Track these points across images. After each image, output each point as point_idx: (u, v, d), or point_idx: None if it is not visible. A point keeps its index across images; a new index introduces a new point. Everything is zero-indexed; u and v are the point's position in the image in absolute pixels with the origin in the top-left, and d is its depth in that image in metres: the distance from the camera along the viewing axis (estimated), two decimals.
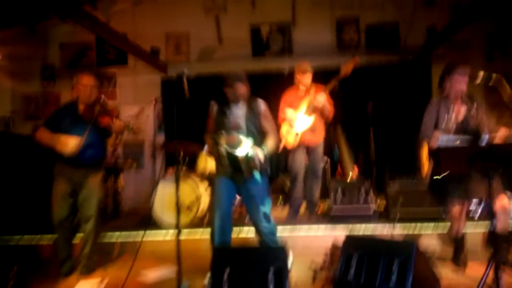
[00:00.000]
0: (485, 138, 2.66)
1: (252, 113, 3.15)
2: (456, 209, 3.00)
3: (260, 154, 3.01)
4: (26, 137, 5.23)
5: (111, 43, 6.49)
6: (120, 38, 6.09)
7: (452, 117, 3.00)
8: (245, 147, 2.99)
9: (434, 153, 3.02)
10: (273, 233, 3.16)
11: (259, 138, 3.12)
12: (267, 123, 3.21)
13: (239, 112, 3.14)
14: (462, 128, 3.00)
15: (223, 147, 3.01)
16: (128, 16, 6.96)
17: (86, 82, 3.32)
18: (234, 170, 3.06)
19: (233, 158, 3.01)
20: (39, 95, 7.21)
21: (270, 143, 3.13)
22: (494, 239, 2.64)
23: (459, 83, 2.97)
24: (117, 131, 3.38)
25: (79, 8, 5.25)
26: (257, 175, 3.06)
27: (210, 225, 3.17)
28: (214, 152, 3.16)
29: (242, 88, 3.12)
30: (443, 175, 2.87)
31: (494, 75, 2.85)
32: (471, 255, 3.25)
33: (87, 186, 3.33)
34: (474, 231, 3.61)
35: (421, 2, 6.59)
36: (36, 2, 4.71)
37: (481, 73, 2.87)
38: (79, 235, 3.51)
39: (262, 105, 3.20)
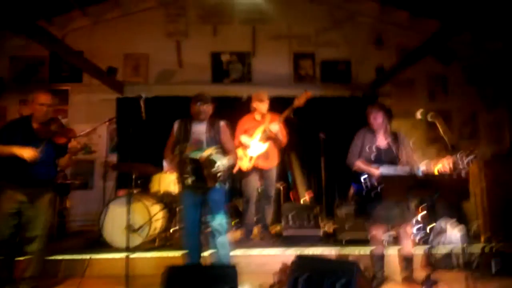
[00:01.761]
0: (420, 169, 2.91)
1: (213, 131, 3.30)
2: (374, 231, 3.36)
3: (223, 159, 3.09)
4: None
5: (65, 59, 6.34)
6: (75, 55, 5.98)
7: (373, 147, 3.39)
8: (208, 153, 3.07)
9: (356, 179, 3.38)
10: (226, 246, 3.23)
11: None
12: (228, 143, 3.36)
13: (201, 129, 3.29)
14: (382, 157, 3.35)
15: (187, 154, 3.09)
16: (86, 34, 6.88)
17: (44, 101, 3.24)
18: (197, 179, 3.10)
19: (196, 166, 3.07)
20: None
21: (231, 157, 3.26)
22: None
23: (375, 118, 3.42)
24: (73, 151, 3.31)
25: (33, 23, 5.13)
26: (218, 184, 3.14)
27: (182, 243, 3.27)
28: (177, 163, 3.21)
29: (208, 108, 3.32)
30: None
31: (431, 113, 3.20)
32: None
33: (35, 206, 3.18)
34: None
35: (371, 43, 7.14)
36: None
37: (420, 111, 3.32)
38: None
39: (224, 125, 3.38)
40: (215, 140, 3.27)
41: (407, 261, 3.36)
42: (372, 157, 3.36)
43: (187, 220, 3.25)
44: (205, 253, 3.44)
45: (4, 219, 3.11)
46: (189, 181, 3.12)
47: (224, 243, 3.20)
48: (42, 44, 5.41)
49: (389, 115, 3.45)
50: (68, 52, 5.75)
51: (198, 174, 3.09)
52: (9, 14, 4.55)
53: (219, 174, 3.05)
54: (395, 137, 3.42)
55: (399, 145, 3.35)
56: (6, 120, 6.39)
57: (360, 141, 3.47)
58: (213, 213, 3.19)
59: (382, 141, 3.42)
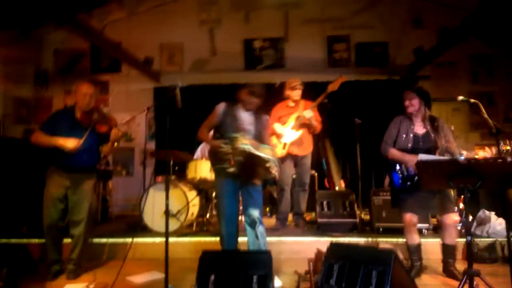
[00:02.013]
0: (462, 156, 2.80)
1: (260, 125, 3.27)
2: (408, 220, 3.25)
3: (277, 163, 3.02)
4: (17, 140, 5.24)
5: (105, 51, 6.58)
6: (114, 46, 6.18)
7: (410, 135, 3.28)
8: (267, 153, 2.99)
9: (390, 168, 3.31)
10: (264, 235, 3.23)
11: None
12: (267, 138, 3.36)
13: (248, 119, 3.24)
14: (420, 145, 3.23)
15: (246, 146, 2.93)
16: (123, 26, 7.07)
17: (86, 91, 3.37)
18: (245, 172, 3.05)
19: (249, 160, 2.97)
20: (31, 99, 7.22)
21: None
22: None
23: (411, 104, 3.29)
24: (114, 139, 3.43)
25: (74, 16, 5.34)
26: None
27: (219, 229, 3.24)
28: (223, 149, 3.03)
29: (257, 100, 3.24)
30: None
31: (471, 101, 3.07)
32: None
33: (79, 191, 3.36)
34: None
35: (410, 24, 6.84)
36: (32, 9, 4.78)
37: (459, 98, 3.09)
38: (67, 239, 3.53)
39: (268, 120, 3.37)
40: (259, 133, 3.23)
41: (448, 251, 3.25)
42: (409, 145, 3.25)
43: (226, 207, 3.20)
44: (240, 240, 3.49)
45: (52, 203, 3.31)
46: (232, 170, 3.03)
47: (263, 232, 3.22)
48: (83, 37, 5.64)
49: (427, 100, 3.29)
50: (107, 43, 5.97)
51: (248, 168, 3.01)
52: (51, 8, 4.77)
53: (271, 175, 3.01)
54: (434, 123, 3.27)
55: (439, 131, 3.22)
56: (52, 109, 6.76)
57: (396, 128, 3.36)
58: (254, 202, 3.19)
59: (419, 128, 3.30)
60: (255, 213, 3.18)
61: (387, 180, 3.45)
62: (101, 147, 3.51)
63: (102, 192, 5.58)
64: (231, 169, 3.03)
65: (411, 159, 3.13)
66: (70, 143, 3.20)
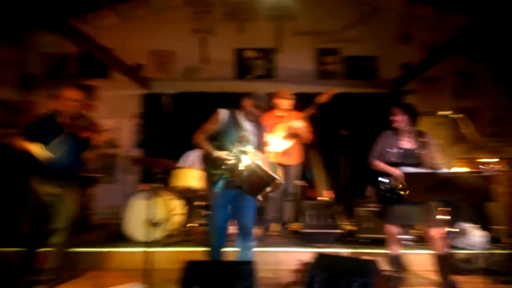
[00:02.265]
0: (443, 170, 2.84)
1: (259, 134, 3.25)
2: (390, 231, 3.32)
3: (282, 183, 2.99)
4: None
5: (94, 56, 6.54)
6: (104, 51, 6.15)
7: (395, 149, 3.35)
8: (278, 173, 2.94)
9: (375, 180, 3.38)
10: (252, 247, 3.23)
11: None
12: (263, 146, 3.33)
13: (250, 128, 3.20)
14: (405, 159, 3.29)
15: (258, 163, 2.87)
16: (114, 31, 7.04)
17: (72, 96, 3.35)
18: (249, 186, 2.96)
19: (257, 176, 2.88)
20: (16, 103, 7.11)
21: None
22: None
23: (397, 120, 3.41)
24: (98, 145, 3.39)
25: (64, 20, 5.31)
26: None
27: (209, 240, 3.18)
28: (229, 162, 2.96)
29: (262, 113, 3.23)
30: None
31: (455, 116, 3.24)
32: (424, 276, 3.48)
33: (63, 199, 3.30)
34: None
35: (398, 40, 6.98)
36: (21, 13, 4.74)
37: (444, 113, 3.26)
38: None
39: (265, 129, 3.35)
40: (259, 143, 3.21)
41: (439, 262, 3.25)
42: (394, 158, 3.31)
43: (220, 219, 3.12)
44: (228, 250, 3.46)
45: (34, 210, 3.25)
46: (236, 182, 2.96)
47: (252, 245, 3.21)
48: (73, 42, 5.60)
49: (414, 115, 3.37)
50: (96, 49, 5.93)
51: (253, 183, 2.92)
52: (41, 12, 4.73)
53: (266, 190, 2.94)
54: (421, 137, 3.33)
55: (425, 147, 3.27)
56: (35, 114, 6.66)
57: (383, 142, 3.44)
58: (248, 214, 3.16)
59: (405, 142, 3.37)
60: (249, 225, 3.16)
61: (369, 191, 3.50)
62: (85, 154, 3.46)
63: (83, 200, 5.48)
64: (238, 181, 2.96)
65: (394, 171, 3.19)
66: (42, 152, 3.13)
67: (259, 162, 2.88)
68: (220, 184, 3.00)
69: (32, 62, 7.16)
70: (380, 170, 3.33)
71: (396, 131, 3.42)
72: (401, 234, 3.43)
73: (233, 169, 2.93)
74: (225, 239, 3.22)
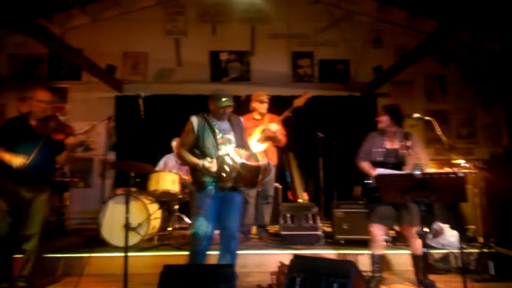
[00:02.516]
0: (418, 169, 2.93)
1: (237, 129, 3.17)
2: (374, 230, 3.36)
3: (270, 165, 2.98)
4: None
5: (64, 57, 6.35)
6: (74, 52, 5.99)
7: (380, 149, 3.44)
8: (260, 159, 2.95)
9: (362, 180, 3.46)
10: (236, 251, 3.18)
11: None
12: (247, 138, 3.25)
13: (225, 127, 3.14)
14: (389, 159, 3.38)
15: (240, 162, 2.87)
16: (85, 32, 6.89)
17: (43, 98, 3.25)
18: (240, 183, 2.99)
19: (246, 171, 2.90)
20: None
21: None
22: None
23: (380, 121, 3.50)
24: (70, 148, 3.29)
25: (32, 21, 5.12)
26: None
27: (192, 244, 3.11)
28: (213, 170, 2.94)
29: (231, 108, 3.14)
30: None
31: (426, 118, 3.33)
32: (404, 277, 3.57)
33: (32, 204, 3.19)
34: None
35: (370, 44, 7.16)
36: None
37: (415, 115, 3.38)
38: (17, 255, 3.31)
39: (243, 121, 3.24)
40: (240, 138, 3.15)
41: (416, 261, 3.32)
42: (379, 158, 3.40)
43: (207, 223, 3.01)
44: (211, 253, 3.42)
45: (1, 216, 3.12)
46: (228, 184, 2.96)
47: (236, 248, 3.18)
48: (42, 42, 5.42)
49: (397, 116, 3.45)
50: (67, 50, 5.76)
51: (244, 178, 2.93)
52: (8, 12, 4.55)
53: (260, 179, 2.94)
54: (406, 137, 3.41)
55: (410, 146, 3.35)
56: (5, 117, 6.40)
57: (368, 143, 3.52)
58: (234, 217, 3.12)
59: (390, 143, 3.45)
60: (234, 227, 3.13)
61: (357, 191, 3.56)
62: (57, 157, 3.35)
63: (58, 205, 5.31)
64: (228, 184, 2.96)
65: (372, 172, 3.26)
66: (17, 161, 3.01)
67: (242, 160, 2.89)
68: (209, 189, 2.99)
69: (1, 63, 6.87)
70: (364, 171, 3.42)
71: (382, 132, 3.51)
72: (385, 234, 3.50)
73: (219, 174, 2.94)
74: (210, 243, 3.15)
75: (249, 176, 2.94)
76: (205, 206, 3.00)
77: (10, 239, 3.20)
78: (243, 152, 3.00)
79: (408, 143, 3.35)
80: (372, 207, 3.35)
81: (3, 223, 3.12)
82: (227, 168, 2.91)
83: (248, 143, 3.26)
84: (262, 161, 2.93)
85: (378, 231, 3.35)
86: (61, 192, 5.46)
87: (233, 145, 3.08)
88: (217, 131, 3.08)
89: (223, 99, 3.04)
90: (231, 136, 3.12)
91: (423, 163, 3.26)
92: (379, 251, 3.40)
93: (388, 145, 3.45)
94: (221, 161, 2.94)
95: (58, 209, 5.32)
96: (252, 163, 2.91)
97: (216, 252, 3.23)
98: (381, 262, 3.41)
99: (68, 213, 5.65)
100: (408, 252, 3.46)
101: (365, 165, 3.44)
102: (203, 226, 3.03)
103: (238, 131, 3.18)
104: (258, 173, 2.92)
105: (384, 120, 3.45)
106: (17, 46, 6.81)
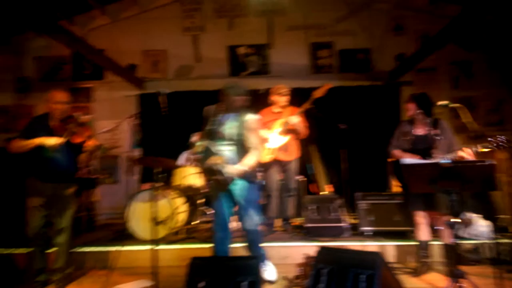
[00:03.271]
0: (445, 159, 2.86)
1: (243, 126, 3.17)
2: (418, 218, 3.42)
3: (229, 168, 3.02)
4: None
5: (87, 58, 6.50)
6: (97, 53, 6.12)
7: (409, 137, 3.48)
8: (215, 161, 3.05)
9: (397, 168, 3.44)
10: (259, 240, 3.26)
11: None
12: (250, 138, 3.19)
13: (231, 123, 3.17)
14: (418, 146, 3.40)
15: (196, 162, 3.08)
16: (106, 32, 7.01)
17: (59, 99, 3.32)
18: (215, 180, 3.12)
19: (210, 170, 3.09)
20: (12, 107, 7.05)
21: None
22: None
23: (407, 109, 3.54)
24: (89, 150, 3.37)
25: (55, 23, 5.26)
26: (240, 181, 3.10)
27: (213, 234, 3.24)
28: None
29: (239, 101, 3.19)
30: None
31: (453, 105, 3.25)
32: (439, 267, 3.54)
33: (59, 200, 3.33)
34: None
35: (391, 31, 6.99)
36: (12, 16, 4.69)
37: (441, 103, 3.29)
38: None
39: (249, 120, 3.19)
40: (240, 135, 3.18)
41: (446, 251, 3.33)
42: (408, 146, 3.44)
43: (219, 212, 3.18)
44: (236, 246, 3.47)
45: (34, 212, 3.27)
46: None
47: (258, 238, 3.24)
48: (65, 44, 5.56)
49: (424, 104, 3.44)
50: (89, 50, 5.89)
51: (213, 177, 3.09)
52: (32, 15, 4.68)
53: (228, 181, 3.02)
54: (435, 124, 3.41)
55: (439, 132, 3.34)
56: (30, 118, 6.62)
57: (398, 131, 3.58)
58: (244, 208, 3.17)
59: (419, 130, 3.48)
60: (246, 217, 3.18)
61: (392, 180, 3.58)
62: (79, 157, 3.46)
63: (88, 201, 5.49)
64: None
65: (404, 160, 3.24)
66: (51, 140, 3.16)
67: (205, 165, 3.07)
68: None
69: (26, 66, 7.12)
70: (396, 159, 3.44)
71: (411, 120, 3.54)
72: (429, 221, 3.48)
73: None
74: (228, 233, 3.24)
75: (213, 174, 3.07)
76: (215, 197, 3.21)
77: (44, 233, 3.35)
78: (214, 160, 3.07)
79: (437, 130, 3.32)
80: (410, 195, 3.37)
81: (36, 218, 3.27)
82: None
83: (253, 139, 3.20)
84: (210, 163, 3.06)
85: (420, 218, 3.40)
86: (90, 188, 5.63)
87: (231, 140, 3.13)
88: (220, 124, 3.16)
89: (229, 91, 3.19)
90: (232, 130, 3.14)
91: (455, 148, 3.21)
92: (425, 238, 3.42)
93: (417, 132, 3.46)
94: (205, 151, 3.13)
95: (88, 205, 5.50)
96: (208, 161, 3.06)
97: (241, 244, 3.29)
98: (426, 248, 3.43)
99: (98, 209, 5.82)
100: (438, 242, 3.41)
101: (397, 153, 3.48)
102: (216, 213, 3.22)
103: (243, 128, 3.16)
104: (212, 173, 3.05)
105: (411, 108, 3.47)
106: (42, 49, 7.01)
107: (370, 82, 6.88)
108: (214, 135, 3.15)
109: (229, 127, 3.16)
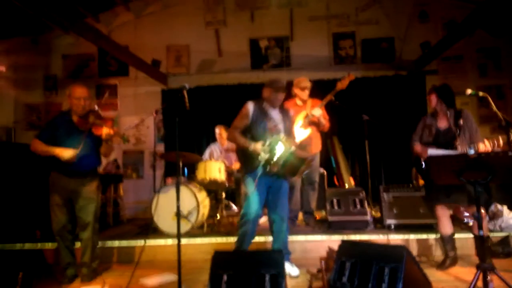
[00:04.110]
0: (471, 150, 2.78)
1: (287, 121, 3.29)
2: (440, 211, 3.38)
3: (314, 159, 3.13)
4: (28, 146, 5.32)
5: (112, 54, 6.65)
6: (121, 49, 6.25)
7: (432, 129, 3.41)
8: (308, 151, 3.15)
9: (417, 163, 3.46)
10: (287, 233, 3.32)
11: None
12: (293, 131, 3.36)
13: (277, 117, 3.27)
14: (440, 138, 3.34)
15: (292, 149, 3.05)
16: (130, 29, 7.14)
17: (79, 95, 3.35)
18: (287, 170, 3.15)
19: (292, 160, 3.06)
20: (41, 105, 7.32)
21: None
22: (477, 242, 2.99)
23: (430, 101, 3.49)
24: (106, 139, 3.32)
25: (81, 20, 5.41)
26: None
27: (240, 228, 3.26)
28: (262, 155, 3.11)
29: (283, 96, 3.28)
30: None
31: (480, 94, 3.11)
32: (465, 260, 3.49)
33: (83, 195, 3.36)
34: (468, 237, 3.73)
35: (415, 18, 6.80)
36: (39, 14, 4.85)
37: (468, 92, 3.14)
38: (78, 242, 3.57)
39: (292, 115, 3.36)
40: (288, 130, 3.25)
41: (476, 242, 3.25)
42: (431, 139, 3.39)
43: (254, 206, 3.16)
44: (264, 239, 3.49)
45: (57, 207, 3.34)
46: (275, 170, 3.09)
47: (287, 230, 3.30)
48: (91, 41, 5.70)
49: (446, 95, 3.36)
50: (114, 47, 6.02)
51: (290, 167, 3.09)
52: (59, 13, 4.83)
53: (309, 159, 3.11)
54: (458, 116, 3.33)
55: (462, 125, 3.27)
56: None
57: (421, 124, 3.53)
58: (281, 201, 3.23)
59: (442, 122, 3.41)
60: (281, 210, 3.25)
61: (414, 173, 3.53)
62: (101, 149, 3.46)
63: (113, 196, 5.64)
64: (275, 169, 3.11)
65: (425, 154, 3.22)
66: (66, 153, 3.20)
67: (292, 149, 3.04)
68: (258, 173, 3.12)
69: (54, 64, 7.36)
70: (417, 153, 3.41)
71: (434, 113, 3.48)
72: (451, 214, 3.49)
73: (269, 160, 3.08)
74: (257, 225, 3.31)
75: (294, 165, 3.08)
76: (252, 189, 3.17)
77: (69, 228, 3.43)
78: (292, 140, 3.11)
79: (460, 121, 3.23)
80: (431, 189, 3.33)
81: (60, 213, 3.35)
82: (277, 154, 3.06)
83: (294, 135, 3.33)
84: (309, 154, 3.01)
85: (442, 212, 3.37)
86: (116, 183, 5.78)
87: (282, 134, 3.17)
88: (270, 118, 3.21)
89: (277, 89, 3.19)
90: (281, 126, 3.24)
91: (476, 139, 3.13)
92: (448, 231, 3.39)
93: (440, 124, 3.39)
94: (272, 147, 3.07)
95: (114, 199, 5.65)
96: (300, 154, 3.05)
97: (263, 239, 3.31)
98: (451, 242, 3.40)
99: (123, 204, 5.99)
100: (464, 235, 3.35)
101: (419, 147, 3.43)
102: (252, 206, 3.17)
103: (287, 122, 3.29)
104: (302, 164, 3.07)
105: (432, 99, 3.41)
106: (68, 47, 7.23)
107: (394, 71, 6.74)
108: (265, 128, 3.17)
109: (279, 122, 3.24)
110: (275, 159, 3.06)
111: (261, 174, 3.11)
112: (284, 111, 3.32)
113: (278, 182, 3.24)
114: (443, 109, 3.38)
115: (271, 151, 3.07)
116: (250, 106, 3.23)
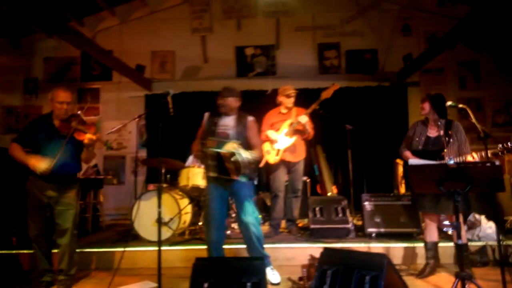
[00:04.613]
0: (451, 160, 2.85)
1: (241, 126, 3.33)
2: (426, 219, 3.47)
3: (244, 154, 3.11)
4: (5, 150, 5.18)
5: (96, 58, 6.57)
6: (105, 54, 6.17)
7: (422, 137, 3.46)
8: (230, 147, 3.13)
9: (405, 171, 3.55)
10: (260, 239, 3.28)
11: (247, 149, 3.25)
12: (254, 138, 3.37)
13: (229, 123, 3.34)
14: (429, 147, 3.40)
15: (210, 148, 3.17)
16: (115, 33, 7.09)
17: (63, 99, 3.26)
18: (220, 172, 3.19)
19: (218, 159, 3.14)
20: (20, 108, 7.16)
21: (256, 152, 3.26)
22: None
23: (422, 108, 3.51)
24: (88, 144, 3.25)
25: (65, 24, 5.33)
26: (243, 178, 3.21)
27: (206, 236, 3.33)
28: (201, 155, 3.31)
29: (233, 102, 3.37)
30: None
31: (460, 106, 3.17)
32: (445, 268, 3.55)
33: (62, 200, 3.27)
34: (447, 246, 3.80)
35: (398, 31, 6.96)
36: (22, 16, 4.76)
37: (448, 103, 3.27)
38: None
39: (251, 121, 3.40)
40: (241, 135, 3.29)
41: (455, 252, 3.37)
42: (420, 146, 3.44)
43: (212, 213, 3.26)
44: (237, 246, 3.47)
45: (35, 213, 3.24)
46: (212, 174, 3.22)
47: (259, 236, 3.25)
48: (74, 45, 5.62)
49: (439, 104, 3.40)
50: (98, 51, 5.95)
51: (221, 167, 3.15)
52: (42, 16, 4.75)
53: (242, 166, 3.09)
54: (448, 126, 3.39)
55: (451, 135, 3.33)
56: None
57: (412, 131, 3.58)
58: (243, 206, 3.23)
59: (432, 131, 3.47)
60: (246, 215, 3.23)
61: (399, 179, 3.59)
62: (81, 154, 3.37)
63: (93, 201, 5.52)
64: (211, 174, 3.23)
65: (410, 161, 3.28)
66: (41, 165, 3.09)
67: (212, 149, 3.15)
68: (210, 181, 3.28)
69: (35, 67, 7.22)
70: (405, 160, 3.47)
71: (425, 120, 3.53)
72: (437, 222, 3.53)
73: (205, 164, 3.26)
74: (222, 234, 3.37)
75: (222, 164, 3.15)
76: (209, 196, 3.31)
77: (47, 234, 3.33)
78: (221, 141, 3.20)
79: (450, 132, 3.30)
80: (418, 196, 3.39)
81: (38, 219, 3.25)
82: (209, 156, 3.20)
83: (255, 140, 3.38)
84: (233, 149, 3.10)
85: (428, 219, 3.43)
86: (96, 189, 5.67)
87: (229, 139, 3.23)
88: (218, 124, 3.33)
89: (222, 94, 3.35)
90: (231, 131, 3.30)
91: (465, 151, 3.21)
92: (432, 239, 3.44)
93: (430, 133, 3.46)
94: (206, 151, 3.22)
95: (94, 205, 5.54)
96: (217, 150, 3.12)
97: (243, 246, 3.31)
98: (434, 249, 3.45)
99: (103, 210, 5.87)
100: (444, 244, 3.41)
101: (407, 154, 3.48)
102: (210, 216, 3.28)
103: (241, 128, 3.33)
104: (226, 161, 3.11)
105: (425, 107, 3.46)
106: (51, 49, 7.11)
107: (377, 82, 6.86)
108: (215, 135, 3.26)
109: (229, 127, 3.31)
110: (210, 163, 3.20)
111: (213, 184, 3.27)
112: (241, 118, 3.39)
113: (234, 187, 3.26)
114: (435, 118, 3.43)
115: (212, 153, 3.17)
116: (205, 116, 3.44)
